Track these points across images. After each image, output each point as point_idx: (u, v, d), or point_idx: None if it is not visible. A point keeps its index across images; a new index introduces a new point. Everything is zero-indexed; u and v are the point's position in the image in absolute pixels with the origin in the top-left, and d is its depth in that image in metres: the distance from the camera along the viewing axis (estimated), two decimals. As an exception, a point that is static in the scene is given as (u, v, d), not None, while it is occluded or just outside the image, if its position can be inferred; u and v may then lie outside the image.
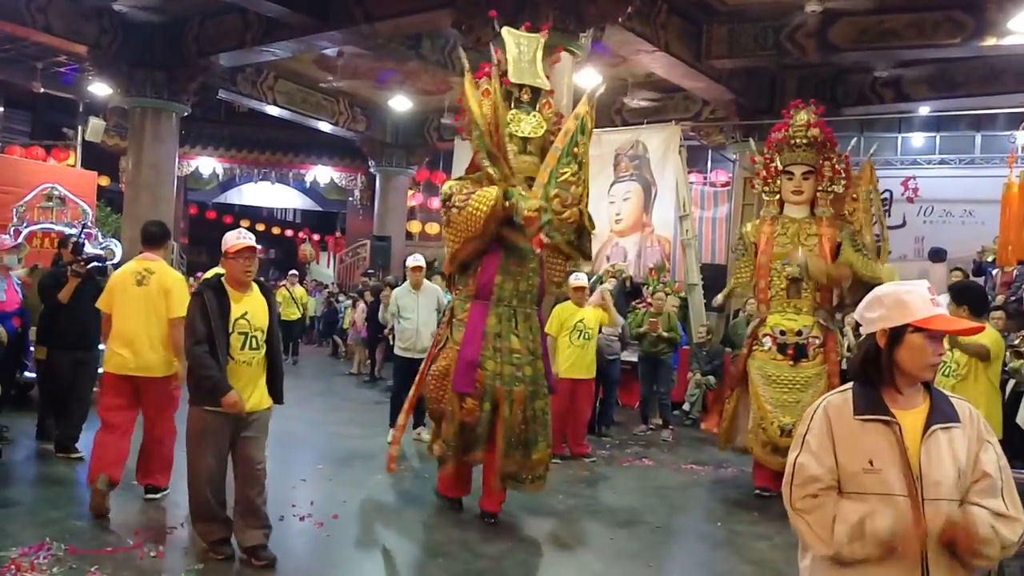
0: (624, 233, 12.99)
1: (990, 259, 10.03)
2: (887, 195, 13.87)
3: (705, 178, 15.61)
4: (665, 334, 8.86)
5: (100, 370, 7.54)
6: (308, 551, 4.69)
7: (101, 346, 7.98)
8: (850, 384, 2.13)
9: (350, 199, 20.50)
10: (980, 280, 9.96)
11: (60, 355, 6.25)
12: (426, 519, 5.43)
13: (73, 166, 15.55)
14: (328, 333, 16.25)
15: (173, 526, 4.83)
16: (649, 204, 12.40)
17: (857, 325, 9.47)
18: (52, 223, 9.09)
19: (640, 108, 13.81)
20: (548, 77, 5.40)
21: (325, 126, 16.43)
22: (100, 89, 14.08)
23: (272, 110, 15.29)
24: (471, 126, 5.09)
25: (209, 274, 4.93)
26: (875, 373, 2.08)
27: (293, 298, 13.68)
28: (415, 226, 19.74)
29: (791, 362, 5.99)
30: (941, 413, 2.04)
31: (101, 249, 9.35)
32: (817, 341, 6.02)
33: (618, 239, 12.98)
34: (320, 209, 22.98)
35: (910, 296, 2.05)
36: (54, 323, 6.26)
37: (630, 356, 9.54)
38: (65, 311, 6.16)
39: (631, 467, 7.36)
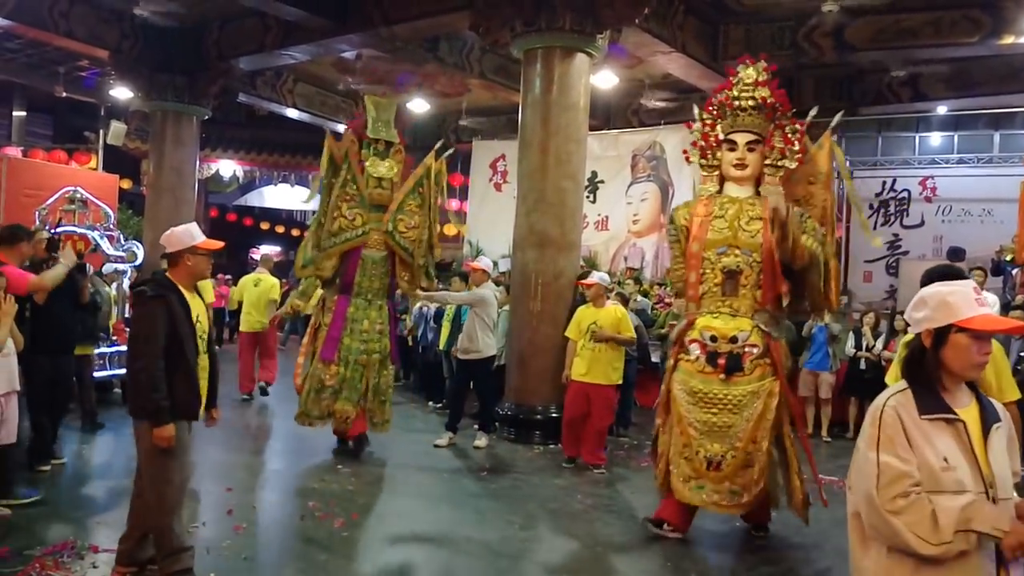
0: (641, 234, 13.00)
1: (1009, 258, 9.94)
2: (905, 194, 13.79)
3: (722, 178, 15.56)
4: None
5: (97, 374, 7.68)
6: (328, 550, 4.74)
7: (103, 349, 8.13)
8: (903, 384, 2.14)
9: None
10: (999, 280, 9.90)
11: (39, 359, 5.60)
12: (446, 520, 5.48)
13: (95, 169, 15.76)
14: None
15: (195, 524, 4.90)
16: (667, 205, 12.39)
17: (876, 324, 9.47)
18: (74, 226, 9.20)
19: (657, 109, 13.79)
20: (400, 132, 7.39)
21: (344, 128, 16.54)
22: (121, 93, 14.24)
23: (291, 113, 15.40)
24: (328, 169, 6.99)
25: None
26: (922, 372, 2.10)
27: None
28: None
29: (722, 375, 4.76)
30: (992, 412, 2.08)
31: (123, 251, 9.48)
32: (755, 351, 4.75)
33: (636, 240, 13.00)
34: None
35: (954, 296, 2.08)
36: (32, 326, 5.55)
37: (652, 357, 9.59)
38: (42, 313, 5.56)
39: (649, 468, 7.35)
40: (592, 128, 9.98)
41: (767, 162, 4.97)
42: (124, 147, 15.95)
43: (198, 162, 13.98)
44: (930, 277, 3.34)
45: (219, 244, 4.10)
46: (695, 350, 4.86)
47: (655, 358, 9.59)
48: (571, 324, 7.16)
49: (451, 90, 14.78)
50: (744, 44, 10.88)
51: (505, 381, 8.50)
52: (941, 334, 2.07)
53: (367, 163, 7.01)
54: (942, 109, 12.63)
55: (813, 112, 5.28)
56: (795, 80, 12.47)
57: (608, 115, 14.25)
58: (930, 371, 2.09)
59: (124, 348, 8.41)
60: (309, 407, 6.96)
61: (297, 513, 5.35)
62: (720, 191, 5.12)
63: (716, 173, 5.16)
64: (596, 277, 7.39)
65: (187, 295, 3.88)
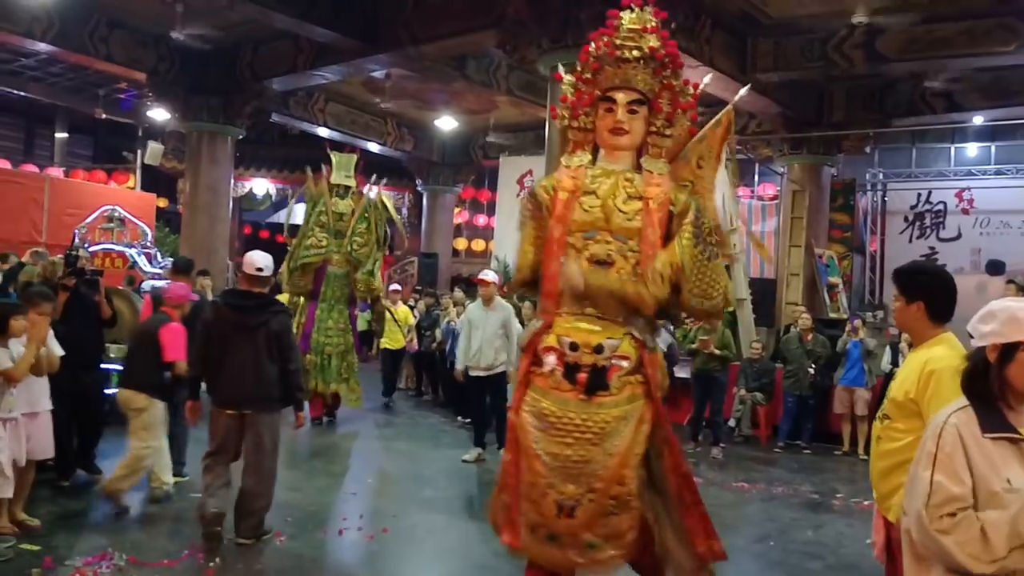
0: (671, 248, 12.91)
1: (1051, 271, 9.73)
2: (941, 207, 13.58)
3: (752, 192, 15.48)
4: (717, 351, 8.79)
5: (111, 391, 7.62)
6: (358, 564, 4.76)
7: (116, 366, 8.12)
8: (963, 400, 2.09)
9: (398, 217, 20.79)
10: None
11: (59, 375, 5.33)
12: (475, 535, 5.48)
13: (133, 188, 16.12)
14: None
15: (231, 537, 4.95)
16: (696, 219, 12.31)
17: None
18: (113, 243, 9.42)
19: (686, 123, 13.76)
20: (357, 178, 9.42)
21: (374, 146, 16.73)
22: (159, 114, 14.60)
23: (323, 132, 15.63)
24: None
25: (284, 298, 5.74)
26: (985, 389, 2.05)
27: (396, 321, 10.92)
28: (461, 243, 19.93)
29: (583, 395, 3.56)
30: None
31: (160, 268, 9.66)
32: (625, 364, 3.60)
33: (665, 254, 12.91)
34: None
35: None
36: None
37: (682, 372, 9.52)
38: (58, 329, 5.42)
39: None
40: (620, 143, 9.96)
41: (652, 130, 3.80)
42: (161, 167, 16.29)
43: (232, 181, 14.24)
44: (910, 273, 2.96)
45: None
46: (550, 361, 3.64)
47: (684, 374, 9.51)
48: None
49: (479, 107, 14.92)
50: (773, 57, 10.84)
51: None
52: (1008, 350, 2.03)
53: (331, 201, 9.19)
54: (978, 119, 12.44)
55: (707, 80, 4.20)
56: (826, 92, 12.41)
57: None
58: (993, 388, 2.04)
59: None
60: None
61: (327, 526, 5.39)
62: (594, 162, 3.91)
63: (589, 137, 3.92)
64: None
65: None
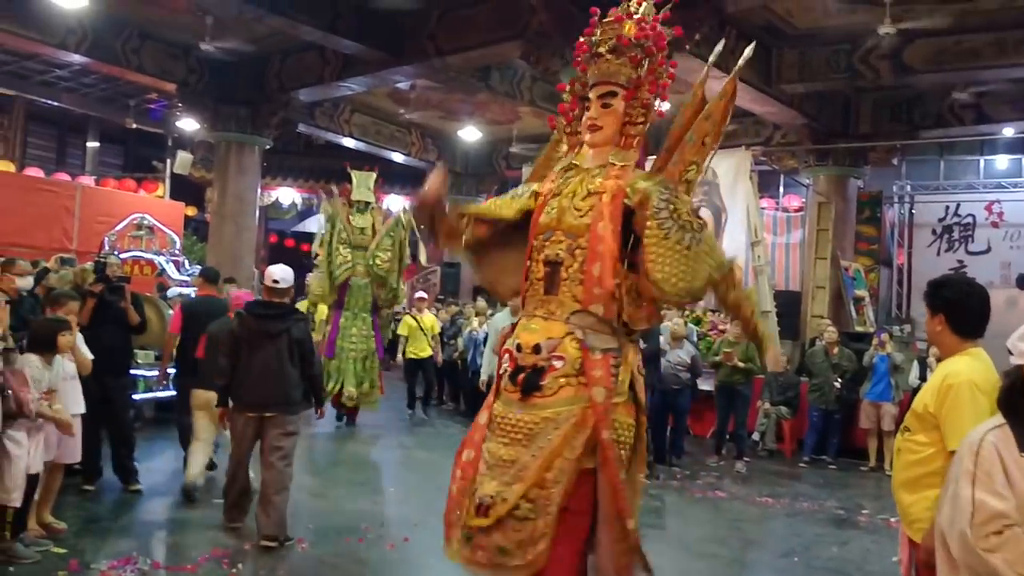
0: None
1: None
2: (970, 219, 13.39)
3: (777, 203, 15.38)
4: (741, 364, 8.73)
5: (136, 396, 7.62)
6: (379, 572, 4.78)
7: (142, 372, 8.22)
8: (999, 418, 2.06)
9: (422, 227, 20.87)
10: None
11: (88, 382, 5.52)
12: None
13: (162, 197, 16.35)
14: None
15: (253, 541, 4.99)
16: (719, 230, 12.27)
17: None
18: (142, 251, 9.55)
19: (710, 134, 13.71)
20: (375, 192, 10.33)
21: (398, 157, 16.84)
22: (188, 124, 14.80)
23: (348, 142, 15.76)
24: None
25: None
26: (1022, 405, 2.02)
27: (422, 329, 10.72)
28: (485, 253, 19.93)
29: (519, 395, 3.42)
30: None
31: (188, 276, 9.79)
32: (560, 364, 3.39)
33: (688, 266, 12.84)
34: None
35: None
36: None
37: (706, 385, 9.47)
38: (88, 337, 5.62)
39: (703, 499, 7.24)
40: (644, 154, 9.96)
41: (626, 120, 3.59)
42: (190, 176, 16.51)
43: (259, 190, 14.39)
44: (934, 286, 2.95)
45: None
46: (505, 363, 3.54)
47: (707, 386, 9.45)
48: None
49: (502, 118, 14.98)
50: (798, 68, 10.79)
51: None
52: None
53: (352, 217, 9.80)
54: (1008, 131, 12.26)
55: (714, 56, 3.98)
56: (852, 103, 12.32)
57: (659, 140, 14.21)
58: None
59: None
60: None
61: (349, 534, 5.41)
62: None
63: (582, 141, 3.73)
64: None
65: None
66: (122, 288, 6.26)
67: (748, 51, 3.80)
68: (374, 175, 10.26)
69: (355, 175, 10.05)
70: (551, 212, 3.52)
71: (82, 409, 5.18)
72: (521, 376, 3.41)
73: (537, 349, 3.39)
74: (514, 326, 3.63)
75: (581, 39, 3.64)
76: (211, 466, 6.43)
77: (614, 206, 3.35)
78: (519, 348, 3.44)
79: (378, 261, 9.62)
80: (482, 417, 3.52)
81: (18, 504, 4.42)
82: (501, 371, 3.51)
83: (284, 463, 5.09)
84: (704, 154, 3.68)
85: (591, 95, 3.60)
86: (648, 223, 3.23)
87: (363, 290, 9.58)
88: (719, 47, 3.94)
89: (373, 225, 9.86)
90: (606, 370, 3.35)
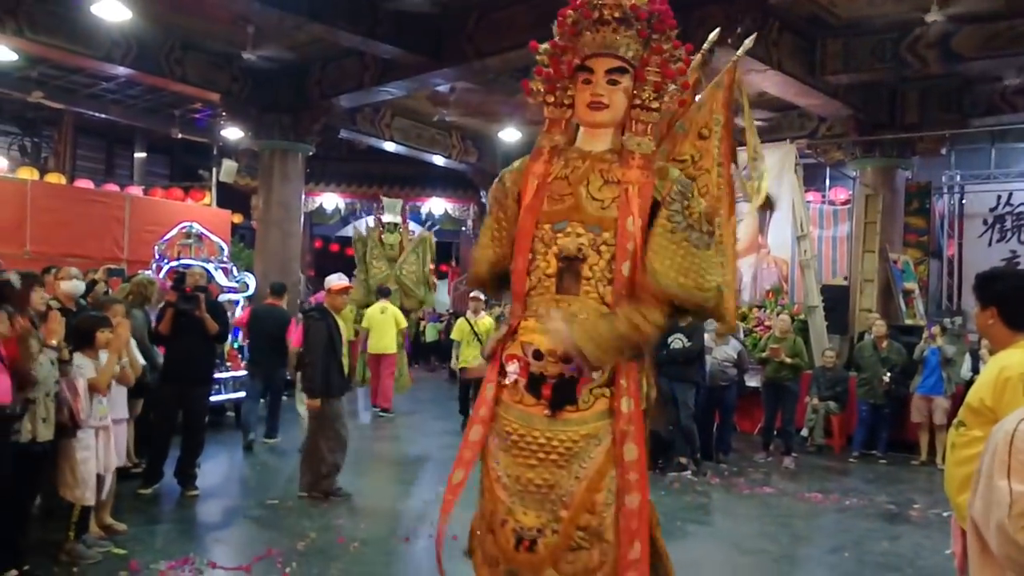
0: (739, 255, 12.71)
1: None
2: (1023, 209, 13.01)
3: (823, 196, 15.13)
4: (788, 360, 8.62)
5: (212, 398, 7.80)
6: (428, 571, 4.82)
7: (227, 374, 8.70)
8: None
9: (463, 229, 21.01)
10: None
11: (166, 388, 6.11)
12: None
13: (209, 205, 16.66)
14: (447, 358, 16.53)
15: (304, 538, 5.08)
16: (765, 225, 12.12)
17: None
18: (191, 259, 9.75)
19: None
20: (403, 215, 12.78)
21: (439, 159, 16.96)
22: (232, 133, 15.11)
23: (389, 146, 15.91)
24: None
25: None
26: None
27: (477, 335, 9.76)
28: (526, 254, 19.97)
29: (547, 410, 3.00)
30: None
31: (236, 282, 9.98)
32: (597, 375, 3.00)
33: (733, 261, 12.71)
34: (435, 239, 23.58)
35: None
36: (163, 358, 6.40)
37: (752, 381, 9.38)
38: (169, 343, 6.20)
39: (751, 495, 7.17)
40: (685, 150, 9.88)
41: (636, 103, 3.17)
42: (235, 184, 16.82)
43: (303, 196, 14.62)
44: (985, 278, 2.93)
45: (345, 285, 6.53)
46: (513, 371, 3.07)
47: (754, 382, 9.35)
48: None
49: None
50: (843, 58, 10.59)
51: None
52: None
53: (384, 235, 12.57)
54: (1063, 117, 11.90)
55: (714, 36, 3.72)
56: (899, 93, 12.07)
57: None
58: None
59: (238, 374, 8.89)
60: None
61: (399, 534, 5.47)
62: (574, 142, 3.33)
63: (568, 115, 3.32)
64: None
65: (336, 317, 6.32)
66: (197, 298, 6.24)
67: (748, 42, 3.67)
68: (400, 202, 13.73)
69: (385, 201, 13.10)
70: (563, 199, 3.10)
71: (126, 414, 5.30)
72: (547, 388, 2.99)
73: (567, 359, 2.92)
74: (510, 327, 3.15)
75: (573, 7, 3.18)
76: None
77: (643, 199, 3.02)
78: (537, 355, 2.98)
79: (404, 272, 12.17)
80: (474, 433, 3.11)
81: (91, 502, 4.57)
82: (509, 380, 3.05)
83: (345, 430, 6.35)
84: (706, 148, 3.43)
85: (595, 66, 3.12)
86: (659, 212, 2.99)
87: (393, 296, 11.48)
88: (749, 40, 3.72)
89: (400, 243, 12.59)
90: (633, 379, 3.04)
